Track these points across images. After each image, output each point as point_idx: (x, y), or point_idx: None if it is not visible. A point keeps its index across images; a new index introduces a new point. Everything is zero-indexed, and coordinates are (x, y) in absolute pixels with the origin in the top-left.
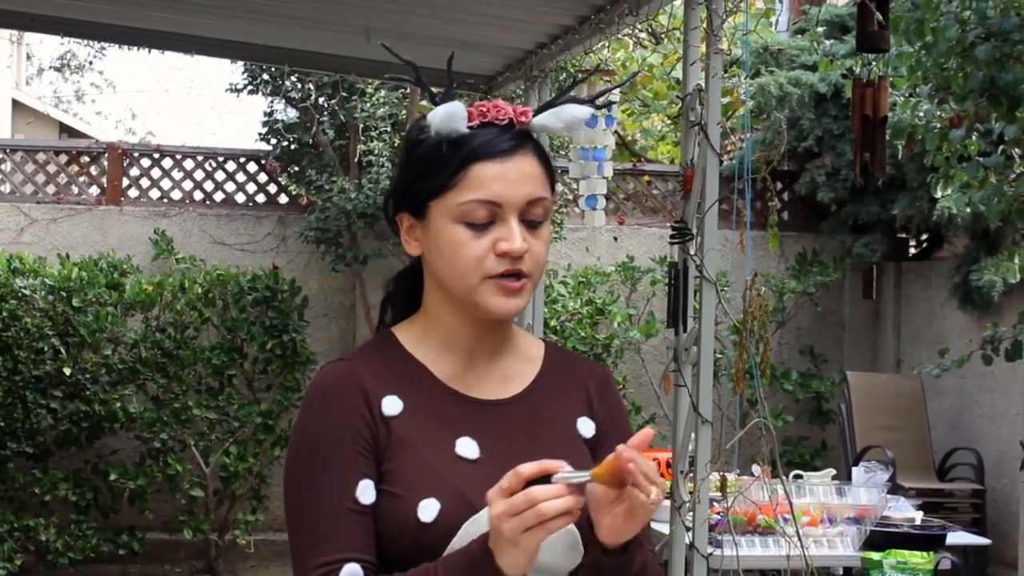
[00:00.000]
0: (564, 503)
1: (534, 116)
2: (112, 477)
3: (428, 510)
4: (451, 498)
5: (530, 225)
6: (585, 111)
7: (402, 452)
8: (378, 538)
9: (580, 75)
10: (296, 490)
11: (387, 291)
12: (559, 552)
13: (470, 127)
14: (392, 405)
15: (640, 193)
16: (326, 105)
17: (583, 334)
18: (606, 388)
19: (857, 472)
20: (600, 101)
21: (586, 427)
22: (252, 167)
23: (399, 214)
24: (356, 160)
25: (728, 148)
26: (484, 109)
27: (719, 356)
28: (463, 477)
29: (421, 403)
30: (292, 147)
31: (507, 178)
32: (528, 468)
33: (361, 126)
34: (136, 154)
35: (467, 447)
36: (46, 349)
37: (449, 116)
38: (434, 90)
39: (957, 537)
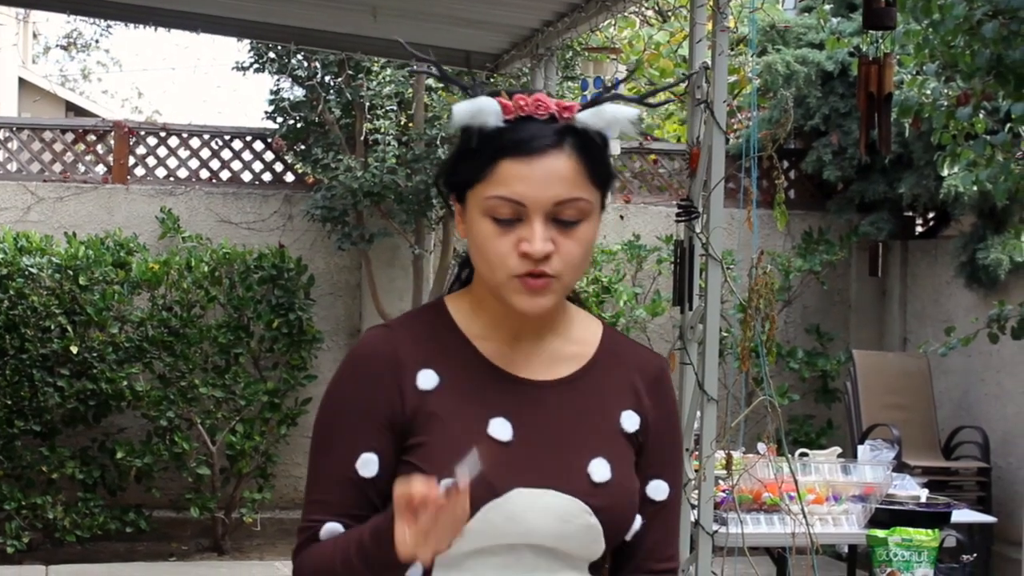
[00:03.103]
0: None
1: (579, 112)
2: (119, 455)
3: None
4: (474, 480)
5: (564, 224)
6: (629, 111)
7: (432, 427)
8: None
9: (611, 77)
10: (311, 452)
11: (462, 258)
12: (579, 543)
13: (507, 120)
14: (427, 379)
15: (646, 171)
16: (332, 83)
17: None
18: (657, 382)
19: (863, 450)
20: (651, 100)
21: (630, 421)
22: (258, 146)
23: (452, 195)
24: (362, 138)
25: (735, 127)
26: (523, 103)
27: (725, 334)
28: (490, 459)
29: (460, 379)
30: (298, 125)
31: (532, 178)
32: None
33: (367, 104)
34: (142, 132)
35: (500, 428)
36: (53, 327)
37: (474, 113)
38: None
39: (962, 515)
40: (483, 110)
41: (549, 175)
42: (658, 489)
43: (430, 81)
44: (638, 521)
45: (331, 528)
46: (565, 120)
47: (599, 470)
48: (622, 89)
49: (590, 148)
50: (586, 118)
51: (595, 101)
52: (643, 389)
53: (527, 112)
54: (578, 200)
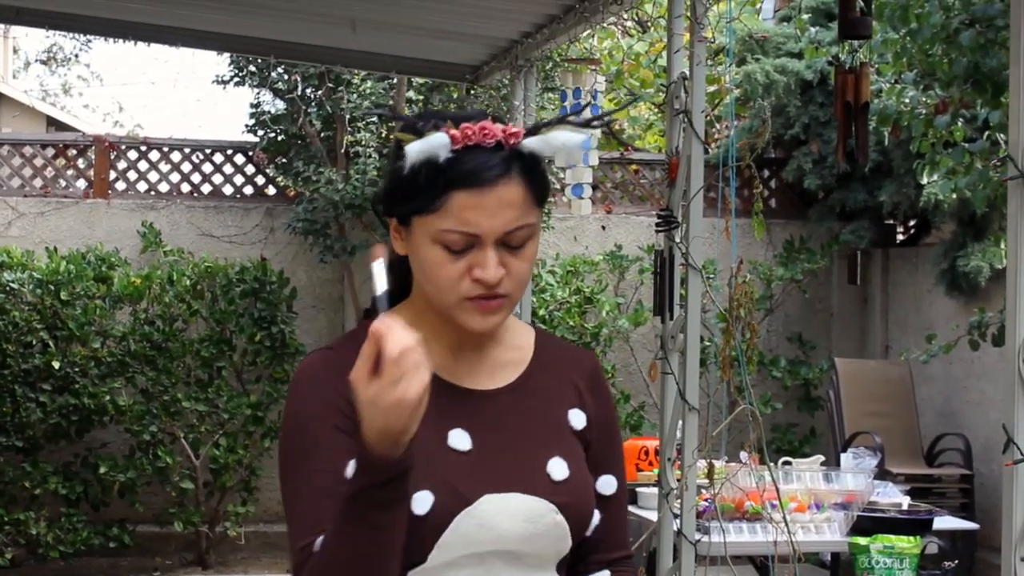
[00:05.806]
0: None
1: (525, 137)
2: (102, 470)
3: (422, 503)
4: (444, 491)
5: (512, 248)
6: (577, 138)
7: None
8: None
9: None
10: (286, 473)
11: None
12: (547, 542)
13: (454, 150)
14: None
15: (627, 182)
16: (313, 96)
17: (571, 323)
18: (595, 379)
19: (845, 458)
20: (596, 123)
21: (577, 419)
22: (239, 159)
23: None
24: (343, 151)
25: (715, 136)
26: (470, 132)
27: (707, 344)
28: (455, 469)
29: None
30: (279, 138)
31: (486, 208)
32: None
33: (348, 117)
34: (123, 147)
35: (459, 438)
36: (34, 343)
37: (427, 152)
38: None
39: (945, 522)
40: (434, 146)
41: (501, 204)
42: (608, 484)
43: (410, 93)
44: (596, 515)
45: None
46: (511, 147)
47: (558, 468)
48: (602, 100)
49: (534, 170)
50: (533, 144)
51: (537, 127)
52: (583, 387)
53: (474, 141)
54: (526, 226)
